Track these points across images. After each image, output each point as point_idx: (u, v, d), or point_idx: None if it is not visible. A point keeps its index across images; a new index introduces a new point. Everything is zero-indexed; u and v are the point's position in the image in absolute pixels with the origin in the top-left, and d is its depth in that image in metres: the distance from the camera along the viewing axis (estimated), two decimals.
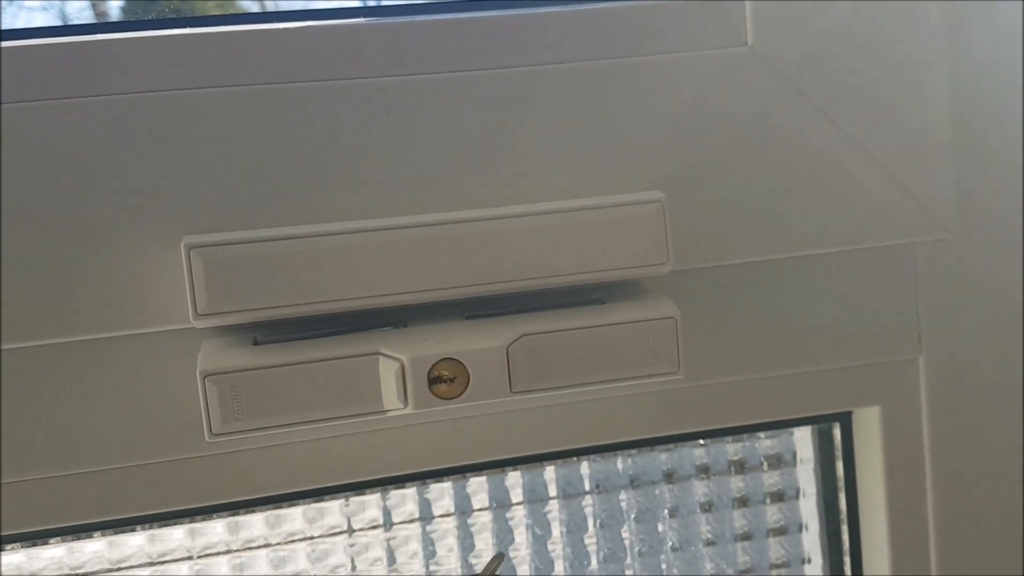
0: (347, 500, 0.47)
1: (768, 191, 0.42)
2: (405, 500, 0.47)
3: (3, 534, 0.40)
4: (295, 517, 0.46)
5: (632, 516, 0.50)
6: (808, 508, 0.52)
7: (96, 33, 0.38)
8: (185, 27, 0.39)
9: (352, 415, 0.36)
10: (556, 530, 0.49)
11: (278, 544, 0.46)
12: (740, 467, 0.51)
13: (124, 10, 0.52)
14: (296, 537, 0.46)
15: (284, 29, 0.38)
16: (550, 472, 0.49)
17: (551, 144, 0.40)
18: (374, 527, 0.47)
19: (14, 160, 0.36)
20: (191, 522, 0.45)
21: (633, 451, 0.49)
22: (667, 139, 0.41)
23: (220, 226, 0.38)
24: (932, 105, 0.43)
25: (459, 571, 0.48)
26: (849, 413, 0.49)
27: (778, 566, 0.52)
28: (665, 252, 0.39)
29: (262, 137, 0.38)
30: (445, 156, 0.40)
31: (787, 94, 0.42)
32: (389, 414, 0.36)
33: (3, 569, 0.43)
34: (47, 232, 0.37)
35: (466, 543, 0.48)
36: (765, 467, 0.51)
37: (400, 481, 0.46)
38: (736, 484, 0.51)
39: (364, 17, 0.40)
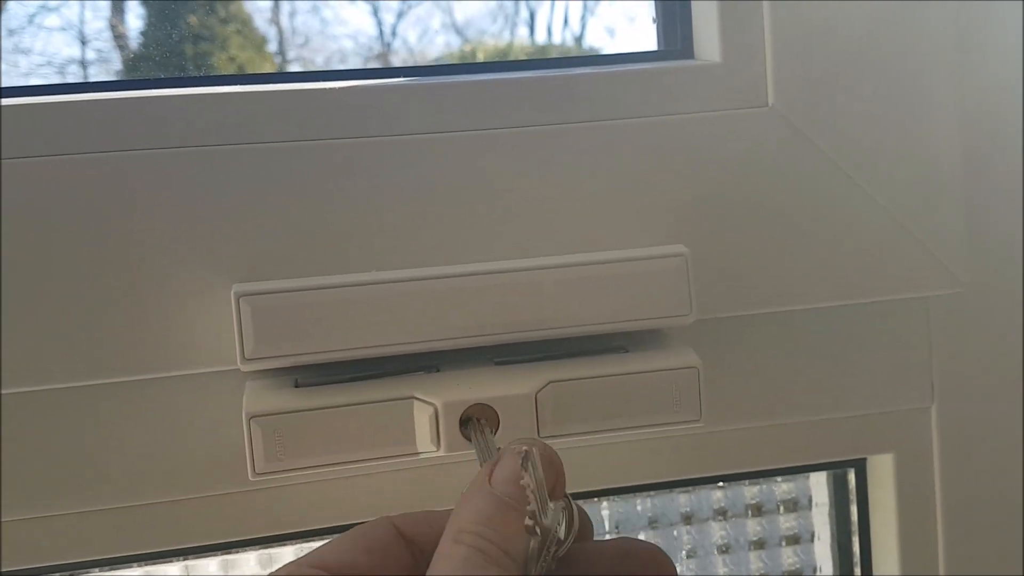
0: None
1: (787, 245, 0.44)
2: None
3: (48, 564, 0.41)
4: None
5: None
6: (823, 551, 0.53)
7: (159, 88, 0.40)
8: (236, 85, 0.41)
9: (387, 456, 0.37)
10: None
11: None
12: (757, 510, 0.52)
13: (144, 35, 0.54)
14: None
15: (328, 88, 0.41)
16: None
17: (579, 198, 0.42)
18: None
19: (75, 208, 0.38)
20: (225, 554, 0.46)
21: (652, 493, 0.51)
22: (690, 194, 0.43)
23: (264, 274, 0.40)
24: (945, 164, 0.45)
25: None
26: (864, 459, 0.50)
27: None
28: (688, 304, 0.41)
29: (307, 191, 0.40)
30: (478, 210, 0.42)
31: (806, 152, 0.44)
32: (422, 456, 0.38)
33: None
34: (103, 278, 0.39)
35: None
36: (781, 511, 0.53)
37: None
38: (753, 527, 0.52)
39: (402, 77, 0.42)
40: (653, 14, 0.47)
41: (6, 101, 0.39)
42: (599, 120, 0.42)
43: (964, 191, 0.45)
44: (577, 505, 0.32)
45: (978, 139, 0.46)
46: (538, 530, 0.30)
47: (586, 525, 0.34)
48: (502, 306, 0.39)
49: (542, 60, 0.44)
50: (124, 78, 0.53)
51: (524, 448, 0.32)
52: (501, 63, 0.43)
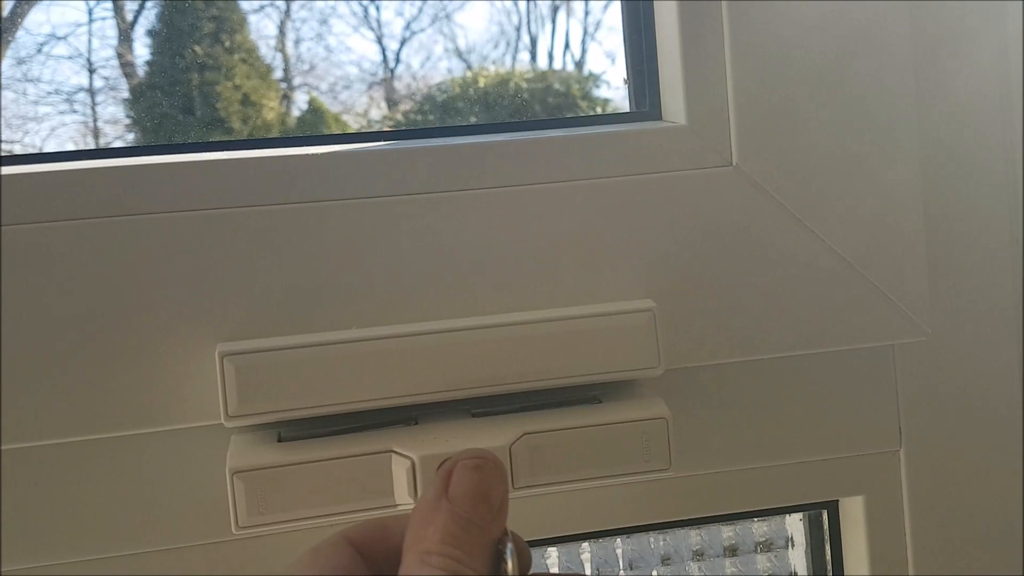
0: None
1: (754, 297, 0.46)
2: None
3: None
4: None
5: None
6: None
7: (146, 156, 0.42)
8: (217, 151, 0.43)
9: (367, 509, 0.39)
10: None
11: None
12: (733, 551, 0.54)
13: (150, 64, 0.55)
14: None
15: (308, 154, 0.42)
16: (552, 555, 0.52)
17: (551, 256, 0.44)
18: None
19: (63, 273, 0.40)
20: None
21: (631, 535, 0.52)
22: (658, 251, 0.45)
23: (247, 333, 0.41)
24: (907, 217, 0.47)
25: None
26: (836, 502, 0.52)
27: None
28: (656, 357, 0.42)
29: (288, 252, 0.42)
30: (454, 268, 0.43)
31: (769, 208, 0.45)
32: (400, 509, 0.39)
33: None
34: (91, 337, 0.40)
35: None
36: (758, 551, 0.54)
37: None
38: (730, 568, 0.54)
39: (381, 141, 0.44)
40: (624, 75, 0.49)
41: (4, 170, 0.41)
42: (570, 180, 0.44)
43: (926, 243, 0.47)
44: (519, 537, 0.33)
45: (938, 192, 0.48)
46: None
47: (527, 558, 0.35)
48: (478, 361, 0.41)
49: (517, 123, 0.46)
50: (130, 115, 0.54)
51: (480, 464, 0.32)
52: (477, 126, 0.45)
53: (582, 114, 0.66)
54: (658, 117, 0.47)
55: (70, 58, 0.52)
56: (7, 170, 0.41)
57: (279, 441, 0.40)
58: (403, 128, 0.54)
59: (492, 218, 0.44)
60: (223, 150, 0.43)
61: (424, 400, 0.41)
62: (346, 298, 0.42)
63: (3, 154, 0.43)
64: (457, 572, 0.28)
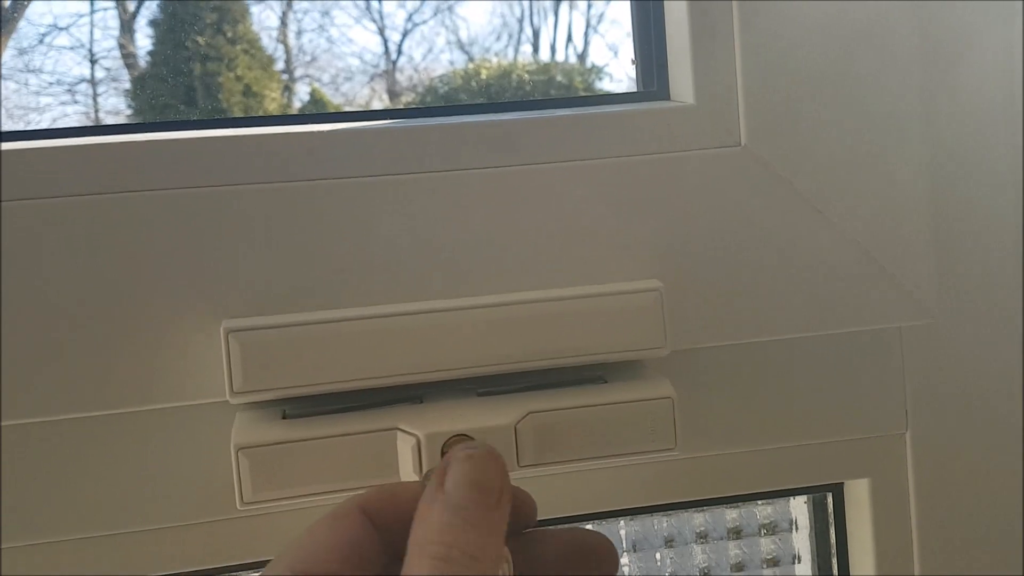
0: None
1: (761, 278, 0.45)
2: None
3: None
4: None
5: None
6: (803, 573, 0.54)
7: (150, 132, 0.42)
8: (224, 128, 0.43)
9: (371, 487, 0.39)
10: None
11: None
12: (737, 533, 0.54)
13: (152, 54, 0.55)
14: None
15: (314, 132, 0.42)
16: None
17: (559, 235, 0.44)
18: None
19: (68, 248, 0.40)
20: None
21: (635, 517, 0.52)
22: (665, 231, 0.44)
23: (251, 310, 0.41)
24: (914, 198, 0.47)
25: None
26: (841, 484, 0.52)
27: None
28: (663, 337, 0.42)
29: (294, 230, 0.42)
30: (461, 246, 0.43)
31: (778, 189, 0.45)
32: None
33: None
34: (97, 314, 0.40)
35: None
36: (762, 534, 0.54)
37: None
38: (734, 551, 0.54)
39: (385, 120, 0.44)
40: (632, 56, 0.48)
41: (6, 145, 0.40)
42: (579, 160, 0.44)
43: (932, 224, 0.47)
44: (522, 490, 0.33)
45: (945, 174, 0.48)
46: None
47: (531, 506, 0.35)
48: (484, 340, 0.41)
49: (525, 102, 0.46)
50: (131, 105, 0.54)
51: (471, 453, 0.32)
52: (482, 105, 0.45)
53: None
54: (666, 97, 0.47)
55: (72, 48, 0.52)
56: (7, 146, 0.41)
57: (284, 418, 0.40)
58: (407, 108, 0.54)
59: (498, 197, 0.43)
60: (229, 127, 0.43)
61: (430, 379, 0.41)
62: (351, 276, 0.42)
63: (4, 130, 0.43)
64: (449, 557, 0.28)
